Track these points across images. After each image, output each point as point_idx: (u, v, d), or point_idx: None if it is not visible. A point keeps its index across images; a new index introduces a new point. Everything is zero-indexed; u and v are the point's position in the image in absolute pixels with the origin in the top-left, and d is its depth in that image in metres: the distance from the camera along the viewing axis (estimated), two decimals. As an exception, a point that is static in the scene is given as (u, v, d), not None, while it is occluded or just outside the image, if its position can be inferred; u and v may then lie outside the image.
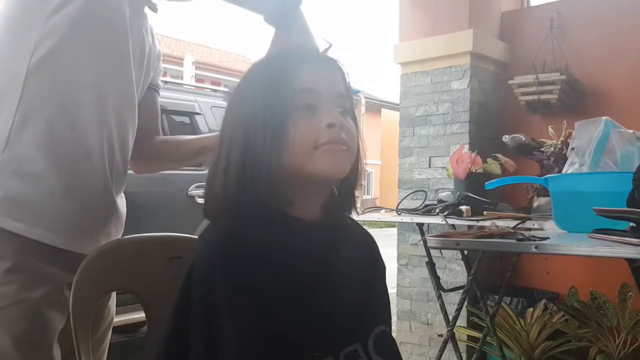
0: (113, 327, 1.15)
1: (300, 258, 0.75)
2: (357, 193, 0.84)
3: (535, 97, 2.85)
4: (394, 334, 0.83)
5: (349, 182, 0.82)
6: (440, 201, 2.37)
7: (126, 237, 1.08)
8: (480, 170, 2.41)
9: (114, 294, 1.10)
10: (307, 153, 0.74)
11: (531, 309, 2.72)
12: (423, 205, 2.40)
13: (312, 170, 0.74)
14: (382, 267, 0.90)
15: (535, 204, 2.16)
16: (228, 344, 0.67)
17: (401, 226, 3.19)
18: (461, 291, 2.36)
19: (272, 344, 0.69)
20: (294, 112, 0.74)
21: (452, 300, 2.66)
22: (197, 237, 0.80)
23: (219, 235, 0.74)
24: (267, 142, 0.73)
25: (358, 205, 0.86)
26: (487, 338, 2.53)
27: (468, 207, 2.14)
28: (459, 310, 2.31)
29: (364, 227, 0.91)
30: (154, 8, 1.10)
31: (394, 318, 3.20)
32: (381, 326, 0.82)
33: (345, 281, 0.79)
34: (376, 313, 0.84)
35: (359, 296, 0.81)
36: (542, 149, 2.38)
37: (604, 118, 1.58)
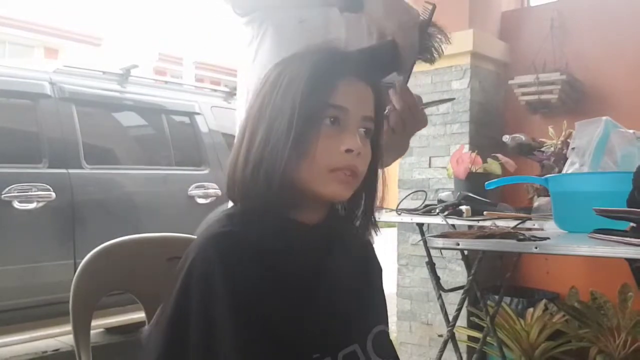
0: (113, 328, 1.15)
1: (298, 261, 0.75)
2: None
3: (536, 97, 2.84)
4: (393, 335, 0.83)
5: (356, 198, 0.82)
6: (440, 201, 2.37)
7: (126, 237, 1.08)
8: (480, 170, 2.40)
9: None
10: (320, 173, 0.75)
11: (531, 309, 2.72)
12: (423, 205, 2.39)
13: (318, 190, 0.76)
14: (378, 269, 0.91)
15: (535, 204, 2.16)
16: (227, 345, 0.67)
17: (401, 226, 3.18)
18: (461, 291, 2.36)
19: (270, 346, 0.69)
20: (319, 126, 0.75)
21: (452, 300, 2.65)
22: (196, 237, 0.80)
23: (219, 232, 0.74)
24: (287, 147, 0.73)
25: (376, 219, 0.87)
26: (487, 338, 2.53)
27: (468, 207, 2.14)
28: (459, 310, 2.30)
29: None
30: None
31: (394, 318, 3.22)
32: (379, 326, 0.82)
33: (342, 283, 0.79)
34: (374, 314, 0.84)
35: (356, 297, 0.82)
36: (542, 149, 2.37)
37: (604, 118, 1.58)
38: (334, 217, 0.82)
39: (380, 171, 0.83)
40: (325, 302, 0.76)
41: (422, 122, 1.03)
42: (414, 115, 1.00)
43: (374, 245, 1.22)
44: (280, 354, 0.70)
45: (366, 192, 0.82)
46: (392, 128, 0.98)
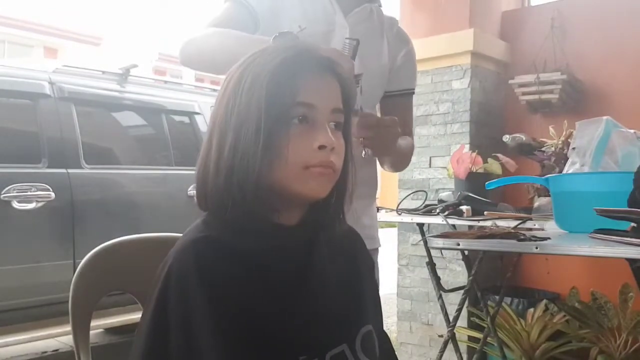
0: (113, 328, 1.15)
1: (278, 262, 0.74)
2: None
3: (536, 96, 2.84)
4: (393, 335, 0.82)
5: (334, 193, 0.80)
6: (440, 201, 2.37)
7: (125, 237, 1.07)
8: (480, 170, 2.40)
9: None
10: (296, 172, 0.73)
11: (532, 310, 2.72)
12: (423, 205, 2.39)
13: (297, 190, 0.74)
14: (368, 263, 0.89)
15: (536, 204, 2.15)
16: (208, 350, 0.66)
17: (401, 226, 3.18)
18: (462, 291, 2.36)
19: (253, 349, 0.68)
20: (288, 126, 0.73)
21: (453, 300, 2.65)
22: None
23: (196, 238, 0.72)
24: (258, 154, 0.71)
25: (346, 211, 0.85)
26: (488, 338, 2.53)
27: (468, 207, 2.14)
28: (459, 310, 2.30)
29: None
30: None
31: (394, 318, 3.22)
32: (369, 326, 0.81)
33: (328, 282, 0.78)
34: (363, 312, 0.82)
35: (344, 297, 0.80)
36: (542, 149, 2.37)
37: (605, 118, 1.58)
38: (314, 216, 0.80)
39: (350, 163, 0.80)
40: (311, 303, 0.75)
41: (393, 133, 1.09)
42: (385, 131, 1.06)
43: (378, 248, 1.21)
44: (264, 357, 0.68)
45: (337, 185, 0.79)
46: (370, 153, 1.06)
